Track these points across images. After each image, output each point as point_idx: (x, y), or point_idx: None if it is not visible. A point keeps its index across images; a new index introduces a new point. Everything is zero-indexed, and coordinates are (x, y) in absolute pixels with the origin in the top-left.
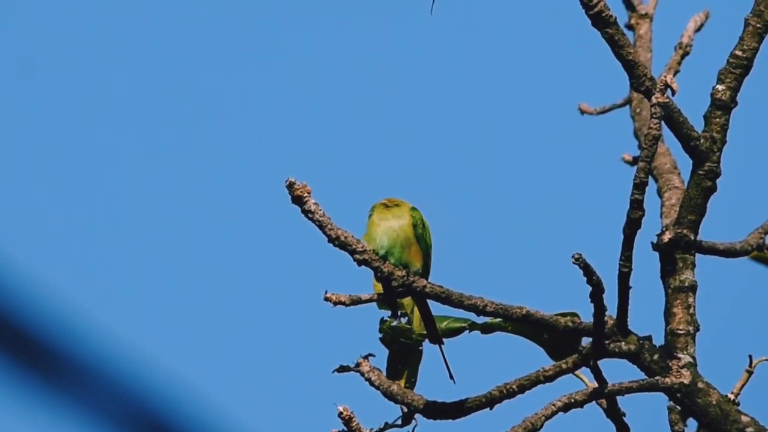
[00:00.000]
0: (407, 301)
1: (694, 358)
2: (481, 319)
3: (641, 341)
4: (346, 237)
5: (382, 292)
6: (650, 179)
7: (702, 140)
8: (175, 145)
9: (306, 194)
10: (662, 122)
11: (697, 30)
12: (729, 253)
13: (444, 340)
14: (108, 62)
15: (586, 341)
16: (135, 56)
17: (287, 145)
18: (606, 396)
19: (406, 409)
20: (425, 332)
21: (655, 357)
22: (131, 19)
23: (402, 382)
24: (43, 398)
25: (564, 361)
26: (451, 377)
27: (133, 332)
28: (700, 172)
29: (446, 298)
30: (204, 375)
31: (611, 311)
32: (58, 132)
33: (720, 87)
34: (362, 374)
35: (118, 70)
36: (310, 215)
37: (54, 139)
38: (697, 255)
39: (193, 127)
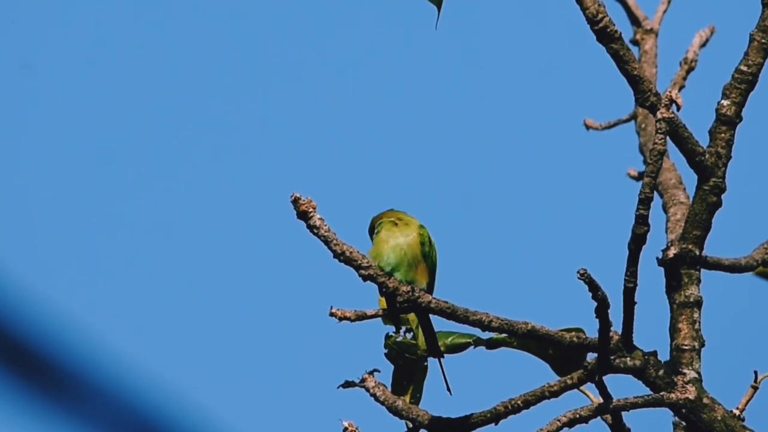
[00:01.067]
0: (412, 316)
1: (699, 373)
2: (486, 335)
3: (646, 357)
4: (351, 252)
5: (387, 307)
6: (655, 194)
7: (707, 155)
8: (179, 153)
9: (311, 209)
10: (667, 137)
11: (703, 45)
12: (734, 268)
13: (446, 354)
14: (109, 65)
15: (591, 357)
16: (136, 59)
17: (293, 155)
18: (611, 411)
19: (411, 425)
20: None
21: (661, 372)
22: (131, 22)
23: (407, 398)
24: (38, 406)
25: (569, 376)
26: (448, 389)
27: (133, 345)
28: (706, 188)
29: (451, 314)
30: (208, 390)
31: (616, 327)
32: (57, 133)
33: (725, 102)
34: (367, 390)
35: (119, 72)
36: (315, 230)
37: (54, 140)
38: (702, 270)
39: (196, 135)
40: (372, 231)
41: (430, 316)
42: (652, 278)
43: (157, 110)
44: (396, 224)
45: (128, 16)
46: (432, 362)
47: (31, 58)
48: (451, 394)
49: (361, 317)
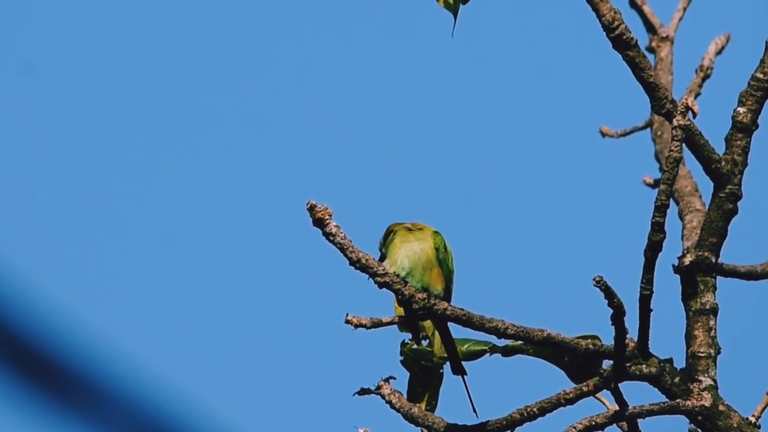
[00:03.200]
0: (428, 323)
1: (715, 380)
2: (502, 342)
3: (662, 364)
4: (367, 259)
5: (403, 314)
6: (671, 202)
7: (723, 163)
8: (192, 158)
9: (327, 217)
10: (683, 145)
11: (718, 53)
12: (750, 275)
13: (462, 362)
14: (113, 66)
15: (607, 364)
16: (139, 60)
17: (306, 160)
18: (627, 419)
19: None
20: (446, 356)
21: (676, 380)
22: (133, 23)
23: (423, 405)
24: (44, 407)
25: (585, 383)
26: (474, 411)
27: (147, 352)
28: (722, 195)
29: (467, 321)
30: (224, 397)
31: (632, 334)
32: (59, 134)
33: (741, 109)
34: (383, 397)
35: (123, 74)
36: (331, 238)
37: (56, 140)
38: (718, 277)
39: (208, 138)
40: (385, 239)
41: (450, 330)
42: (668, 285)
43: (164, 111)
44: (410, 230)
45: (130, 17)
46: (448, 370)
47: (32, 59)
48: (477, 416)
49: (377, 324)
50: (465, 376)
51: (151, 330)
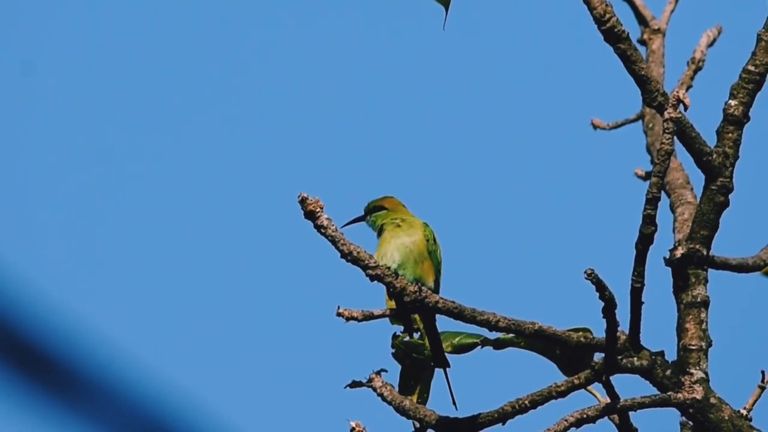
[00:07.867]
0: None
1: (706, 373)
2: (493, 335)
3: (654, 357)
4: (358, 252)
5: (394, 307)
6: (663, 194)
7: (714, 155)
8: (183, 153)
9: (318, 209)
10: (675, 137)
11: (710, 45)
12: (741, 268)
13: (454, 354)
14: (111, 65)
15: (598, 357)
16: (137, 59)
17: (300, 154)
18: (618, 411)
19: (418, 425)
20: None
21: (668, 372)
22: (133, 21)
23: (414, 398)
24: (44, 405)
25: (576, 376)
26: (454, 403)
27: (140, 346)
28: (713, 187)
29: (459, 314)
30: (216, 390)
31: (624, 327)
32: (57, 133)
33: (732, 102)
34: (375, 389)
35: (121, 72)
36: (322, 230)
37: (55, 139)
38: (709, 270)
39: (201, 134)
40: (367, 213)
41: (437, 323)
42: (659, 278)
43: (161, 109)
44: (399, 225)
45: (129, 16)
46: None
47: (32, 58)
48: (456, 408)
49: (369, 317)
50: (448, 369)
51: (145, 326)
